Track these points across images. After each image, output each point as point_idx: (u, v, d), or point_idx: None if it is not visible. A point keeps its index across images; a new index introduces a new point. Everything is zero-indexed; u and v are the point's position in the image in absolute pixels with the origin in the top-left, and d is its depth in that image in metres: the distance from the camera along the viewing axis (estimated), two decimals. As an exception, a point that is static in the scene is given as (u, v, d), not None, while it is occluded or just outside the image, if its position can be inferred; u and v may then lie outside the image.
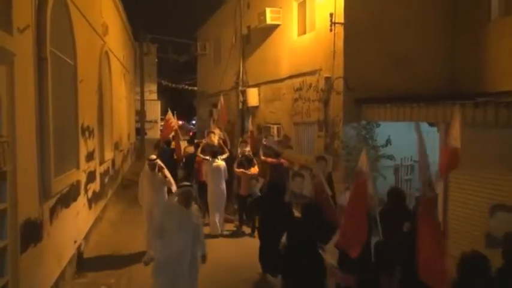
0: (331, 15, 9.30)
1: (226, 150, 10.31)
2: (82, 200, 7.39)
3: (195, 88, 27.94)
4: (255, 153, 10.27)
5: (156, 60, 38.22)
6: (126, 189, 12.65)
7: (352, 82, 9.05)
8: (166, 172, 7.44)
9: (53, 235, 5.38)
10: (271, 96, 12.94)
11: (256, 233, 7.74)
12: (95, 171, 8.74)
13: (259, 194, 8.43)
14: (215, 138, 10.69)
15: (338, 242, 4.92)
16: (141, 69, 23.19)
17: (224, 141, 11.16)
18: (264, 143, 10.74)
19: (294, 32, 11.60)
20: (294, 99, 11.37)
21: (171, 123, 12.15)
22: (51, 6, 5.26)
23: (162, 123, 27.17)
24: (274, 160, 9.55)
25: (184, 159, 11.83)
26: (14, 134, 4.11)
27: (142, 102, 23.43)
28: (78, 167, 7.00)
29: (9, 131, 4.05)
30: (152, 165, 7.33)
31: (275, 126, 12.44)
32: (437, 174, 4.92)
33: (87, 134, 7.89)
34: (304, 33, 11.15)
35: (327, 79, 9.61)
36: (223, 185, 9.16)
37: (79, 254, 6.82)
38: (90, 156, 8.18)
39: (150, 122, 31.43)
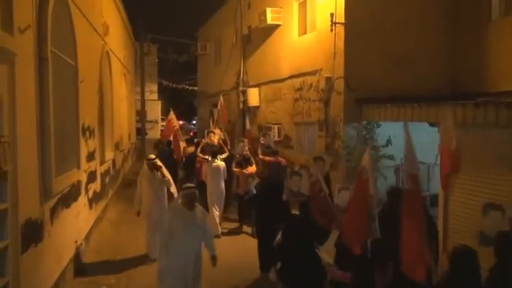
0: (331, 15, 9.31)
1: (226, 150, 10.32)
2: (83, 200, 7.39)
3: (196, 88, 27.96)
4: (254, 152, 10.29)
5: (157, 60, 38.24)
6: (126, 188, 12.65)
7: (352, 82, 9.05)
8: (165, 171, 7.38)
9: (53, 235, 5.37)
10: (271, 96, 12.94)
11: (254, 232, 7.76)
12: (95, 171, 8.74)
13: (254, 191, 8.48)
14: (215, 138, 10.70)
15: (341, 238, 4.93)
16: (142, 69, 23.20)
17: (224, 141, 11.18)
18: (262, 142, 10.74)
19: (294, 32, 11.61)
20: (294, 99, 11.37)
21: (172, 123, 12.16)
22: (52, 6, 5.26)
23: (163, 123, 27.27)
24: (272, 158, 9.57)
25: (184, 159, 11.85)
26: (14, 134, 4.11)
27: (142, 102, 23.43)
28: (78, 167, 7.00)
29: (10, 131, 4.05)
30: (151, 164, 7.31)
31: (276, 126, 12.44)
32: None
33: (87, 134, 7.89)
34: (305, 33, 11.15)
35: (328, 79, 9.61)
36: (223, 185, 9.18)
37: (79, 254, 6.81)
38: (90, 156, 8.18)
39: (151, 122, 31.42)
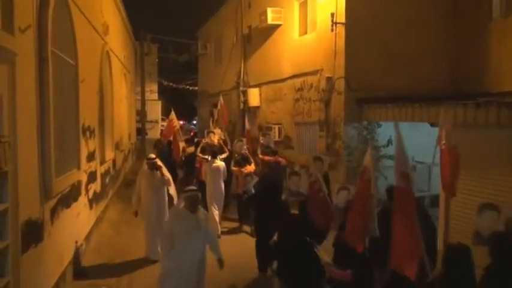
0: (332, 15, 9.30)
1: (226, 150, 10.31)
2: (83, 200, 7.38)
3: (196, 88, 27.94)
4: (254, 152, 10.28)
5: (157, 60, 38.23)
6: (127, 188, 12.63)
7: (353, 82, 9.04)
8: (165, 171, 7.34)
9: (53, 235, 5.36)
10: (272, 97, 12.93)
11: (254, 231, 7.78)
12: (95, 171, 8.73)
13: (253, 191, 8.49)
14: (215, 138, 10.69)
15: (340, 237, 4.97)
16: (142, 69, 23.19)
17: (225, 141, 11.18)
18: (262, 141, 10.74)
19: (295, 32, 11.60)
20: (295, 99, 11.36)
21: (173, 123, 12.16)
22: (53, 6, 5.25)
23: (163, 123, 27.26)
24: (271, 158, 9.57)
25: (183, 159, 11.86)
26: (15, 134, 4.10)
27: (143, 102, 23.43)
28: (79, 167, 6.99)
29: (11, 131, 4.04)
30: (151, 164, 7.26)
31: (276, 127, 12.43)
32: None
33: (88, 134, 7.87)
34: (306, 33, 11.15)
35: (328, 79, 9.60)
36: (222, 185, 9.19)
37: (79, 256, 6.79)
38: (91, 157, 8.16)
39: (151, 122, 31.42)
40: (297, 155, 11.29)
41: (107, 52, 10.52)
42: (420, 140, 8.13)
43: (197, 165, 10.58)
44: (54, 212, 5.46)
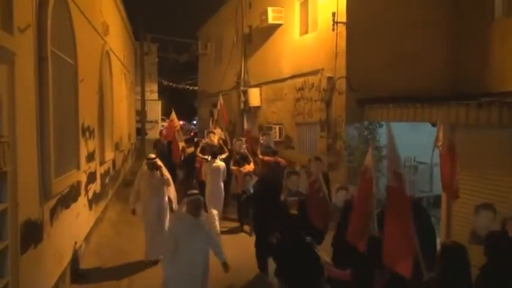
0: (333, 14, 9.26)
1: (226, 150, 10.29)
2: (82, 200, 7.35)
3: (196, 88, 27.91)
4: (253, 152, 10.27)
5: (157, 59, 38.17)
6: (126, 187, 12.59)
7: (354, 82, 9.00)
8: (165, 171, 7.30)
9: (53, 236, 5.34)
10: (273, 96, 12.90)
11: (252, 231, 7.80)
12: (95, 171, 8.70)
13: (252, 190, 8.49)
14: (215, 138, 10.67)
15: (339, 237, 5.00)
16: (142, 68, 23.16)
17: (225, 141, 11.17)
18: (262, 141, 10.71)
19: (296, 32, 11.56)
20: (296, 99, 11.32)
21: (174, 123, 12.15)
22: (52, 5, 5.23)
23: (163, 123, 27.22)
24: (271, 158, 9.56)
25: (183, 159, 11.85)
26: (14, 134, 4.08)
27: (143, 102, 23.39)
28: (78, 168, 6.95)
29: (10, 131, 4.02)
30: (151, 164, 7.22)
31: (277, 127, 12.39)
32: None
33: (87, 134, 7.84)
34: (306, 32, 11.12)
35: (329, 79, 9.57)
36: (222, 185, 9.20)
37: (78, 257, 6.76)
38: (90, 157, 8.13)
39: (151, 122, 31.35)
40: (298, 155, 11.26)
41: (107, 52, 10.49)
42: (421, 140, 8.10)
43: (197, 165, 10.56)
44: (53, 212, 5.43)
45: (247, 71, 15.12)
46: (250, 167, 9.31)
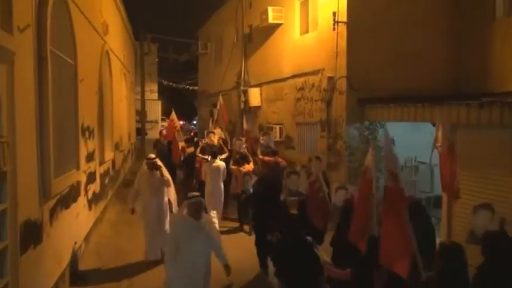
0: (334, 14, 9.24)
1: (226, 150, 10.28)
2: (82, 201, 7.32)
3: (196, 88, 27.88)
4: (253, 152, 10.26)
5: (157, 59, 38.14)
6: (127, 187, 12.57)
7: (355, 82, 8.98)
8: (165, 171, 7.25)
9: (52, 236, 5.32)
10: (273, 96, 12.88)
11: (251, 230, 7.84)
12: (95, 172, 8.68)
13: (251, 190, 8.49)
14: (215, 138, 10.66)
15: (338, 237, 5.02)
16: (142, 68, 23.14)
17: (225, 141, 11.15)
18: (262, 141, 10.70)
19: (296, 31, 11.54)
20: (296, 99, 11.30)
21: (174, 123, 12.14)
22: (52, 5, 5.21)
23: (163, 123, 27.19)
24: (271, 159, 9.55)
25: (183, 159, 11.83)
26: (14, 134, 4.06)
27: (142, 102, 23.37)
28: (78, 168, 6.93)
29: (9, 131, 4.00)
30: (151, 164, 7.17)
31: (277, 127, 12.37)
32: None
33: (87, 134, 7.82)
34: (307, 32, 11.09)
35: (330, 79, 9.55)
36: (222, 185, 9.19)
37: (77, 258, 6.74)
38: (90, 157, 8.11)
39: (151, 122, 31.31)
40: (298, 155, 11.23)
41: (107, 52, 10.47)
42: (422, 140, 8.09)
43: (197, 165, 10.55)
44: (53, 212, 5.41)
45: (248, 70, 15.09)
46: (249, 167, 9.31)
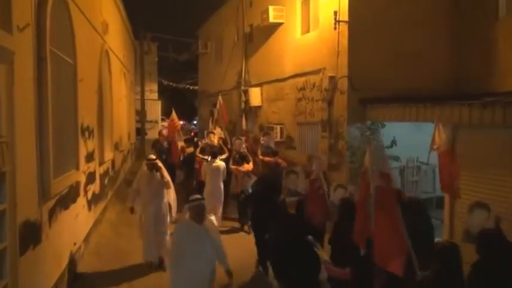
0: (335, 13, 9.18)
1: (226, 150, 10.25)
2: (81, 201, 7.29)
3: (196, 87, 27.83)
4: (254, 152, 10.23)
5: (157, 59, 38.08)
6: (129, 186, 12.50)
7: (356, 81, 8.93)
8: (165, 173, 7.17)
9: (52, 237, 5.29)
10: (274, 96, 12.83)
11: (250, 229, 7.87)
12: (94, 172, 8.64)
13: (250, 190, 8.48)
14: (215, 138, 10.63)
15: (335, 236, 5.06)
16: (142, 68, 23.08)
17: (224, 141, 11.12)
18: (262, 142, 10.66)
19: (297, 31, 11.49)
20: (297, 99, 11.25)
21: (175, 123, 12.11)
22: (51, 4, 5.20)
23: (163, 123, 27.14)
24: (271, 159, 9.53)
25: (182, 160, 11.80)
26: (13, 134, 4.04)
27: (142, 101, 23.31)
28: (77, 168, 6.89)
29: (9, 131, 3.98)
30: (151, 165, 7.06)
31: (278, 127, 12.32)
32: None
33: (86, 134, 7.78)
34: (308, 31, 11.05)
35: (331, 78, 9.50)
36: (221, 185, 9.17)
37: (78, 256, 6.70)
38: (89, 157, 8.07)
39: (151, 122, 31.22)
40: (299, 155, 11.18)
41: (106, 51, 10.43)
42: (424, 140, 8.02)
43: (196, 166, 10.51)
44: (52, 213, 5.39)
45: (248, 70, 15.05)
46: (249, 167, 9.31)
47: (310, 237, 5.11)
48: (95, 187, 8.61)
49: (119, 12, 14.04)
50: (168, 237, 6.94)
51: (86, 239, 7.60)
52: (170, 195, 7.22)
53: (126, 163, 16.00)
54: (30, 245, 4.50)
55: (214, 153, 9.40)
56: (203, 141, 11.23)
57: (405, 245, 3.87)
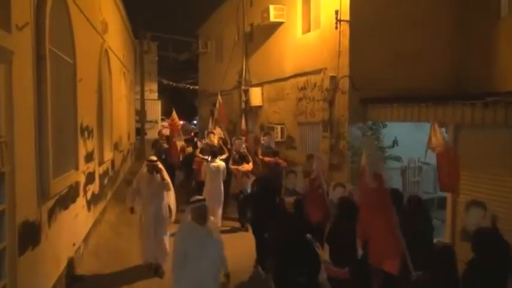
0: (336, 12, 9.15)
1: (225, 151, 10.22)
2: (81, 201, 7.26)
3: (197, 87, 27.79)
4: (254, 152, 10.21)
5: (157, 58, 38.04)
6: (129, 185, 12.45)
7: (358, 81, 8.90)
8: (165, 174, 7.08)
9: (51, 237, 5.27)
10: (274, 96, 12.80)
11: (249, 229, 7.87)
12: (94, 172, 8.60)
13: (249, 190, 8.48)
14: (215, 138, 10.61)
15: (332, 235, 5.10)
16: (141, 67, 23.00)
17: (224, 141, 11.09)
18: (262, 142, 10.64)
19: (298, 30, 11.46)
20: (298, 98, 11.22)
21: (176, 122, 12.09)
22: (51, 3, 5.18)
23: (163, 123, 27.10)
24: (271, 159, 9.51)
25: (182, 160, 11.77)
26: (12, 134, 4.02)
27: (142, 101, 23.25)
28: (77, 168, 6.86)
29: (8, 131, 3.97)
30: (152, 166, 6.97)
31: (279, 127, 12.29)
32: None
33: (86, 134, 7.75)
34: (309, 31, 11.02)
35: (332, 78, 9.47)
36: (221, 185, 9.15)
37: (77, 257, 6.67)
38: (89, 157, 8.04)
39: (151, 122, 31.18)
40: (300, 155, 11.15)
41: (106, 50, 10.39)
42: (426, 140, 7.98)
43: (195, 166, 10.48)
44: (51, 213, 5.37)
45: (249, 70, 15.01)
46: (248, 166, 9.31)
47: (309, 235, 5.10)
48: (94, 187, 8.57)
49: (118, 12, 14.00)
50: (167, 238, 6.89)
51: (86, 240, 7.57)
52: (170, 198, 7.15)
53: (125, 163, 15.96)
54: (29, 245, 4.48)
55: (214, 152, 9.38)
56: (203, 141, 11.20)
57: (400, 245, 3.90)
